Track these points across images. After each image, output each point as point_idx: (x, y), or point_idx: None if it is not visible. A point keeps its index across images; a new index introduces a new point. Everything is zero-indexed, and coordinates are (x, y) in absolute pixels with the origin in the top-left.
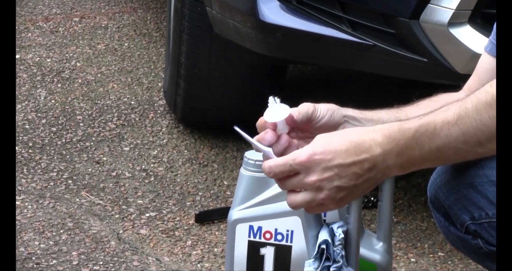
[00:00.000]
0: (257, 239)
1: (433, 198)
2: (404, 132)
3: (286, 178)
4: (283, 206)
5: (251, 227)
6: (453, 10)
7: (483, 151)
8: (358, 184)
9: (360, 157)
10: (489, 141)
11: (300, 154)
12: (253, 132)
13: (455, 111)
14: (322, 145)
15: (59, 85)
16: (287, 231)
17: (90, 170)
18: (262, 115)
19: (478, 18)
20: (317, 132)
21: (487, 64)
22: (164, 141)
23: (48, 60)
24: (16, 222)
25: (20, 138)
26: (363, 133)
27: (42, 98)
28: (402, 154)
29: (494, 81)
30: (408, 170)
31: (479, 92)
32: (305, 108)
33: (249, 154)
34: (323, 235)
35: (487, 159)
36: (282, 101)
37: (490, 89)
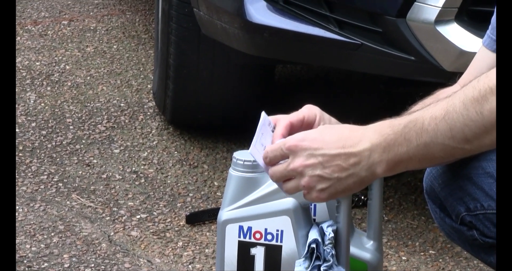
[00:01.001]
0: (247, 239)
1: (429, 189)
2: (394, 127)
3: (277, 168)
4: (272, 206)
5: (241, 227)
6: (440, 8)
7: (470, 147)
8: (341, 177)
9: (346, 150)
10: (476, 137)
11: (290, 139)
12: (244, 130)
13: (443, 107)
14: (314, 134)
15: (49, 88)
16: (277, 230)
17: (80, 172)
18: (250, 115)
19: (465, 16)
20: None
21: (485, 58)
22: (154, 143)
23: (37, 63)
24: None
25: None
26: (356, 128)
27: (32, 101)
28: (389, 148)
29: (482, 76)
30: (394, 169)
31: (466, 88)
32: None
33: (238, 154)
34: (313, 234)
35: (482, 152)
36: (272, 101)
37: (477, 85)
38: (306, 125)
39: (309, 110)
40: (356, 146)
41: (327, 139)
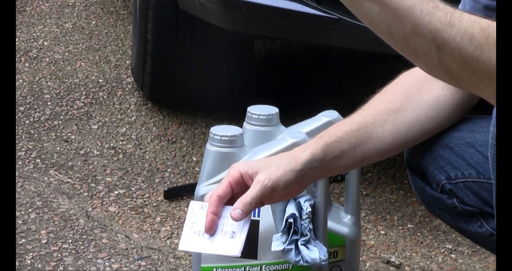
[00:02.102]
0: None
1: (410, 158)
2: None
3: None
4: None
5: None
6: None
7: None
8: None
9: None
10: (411, 33)
11: None
12: (223, 105)
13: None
14: None
15: (27, 64)
16: None
17: (58, 148)
18: (229, 91)
19: None
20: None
21: None
22: (133, 118)
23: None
24: None
25: None
26: None
27: None
28: None
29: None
30: None
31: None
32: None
33: (215, 130)
34: (290, 209)
35: (463, 122)
36: (251, 77)
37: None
38: (238, 186)
39: (230, 174)
40: None
41: None
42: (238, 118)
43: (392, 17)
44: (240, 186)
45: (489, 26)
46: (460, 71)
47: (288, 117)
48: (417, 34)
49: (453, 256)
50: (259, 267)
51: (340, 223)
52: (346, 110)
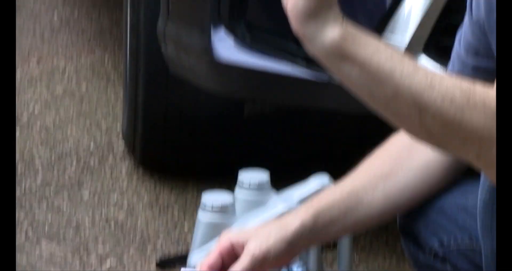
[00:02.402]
0: None
1: (403, 223)
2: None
3: None
4: None
5: None
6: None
7: (378, 95)
8: None
9: None
10: (392, 96)
11: None
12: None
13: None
14: None
15: (18, 132)
16: None
17: (50, 218)
18: (220, 158)
19: (433, 48)
20: None
21: None
22: (124, 185)
23: None
24: None
25: None
26: None
27: None
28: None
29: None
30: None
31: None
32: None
33: (207, 197)
34: None
35: (457, 184)
36: (242, 138)
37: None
38: (228, 256)
39: (221, 244)
40: None
41: None
42: (230, 181)
43: (372, 80)
44: (231, 256)
45: (470, 88)
46: (441, 134)
47: (280, 179)
48: (398, 97)
49: None
50: None
51: None
52: (338, 172)
